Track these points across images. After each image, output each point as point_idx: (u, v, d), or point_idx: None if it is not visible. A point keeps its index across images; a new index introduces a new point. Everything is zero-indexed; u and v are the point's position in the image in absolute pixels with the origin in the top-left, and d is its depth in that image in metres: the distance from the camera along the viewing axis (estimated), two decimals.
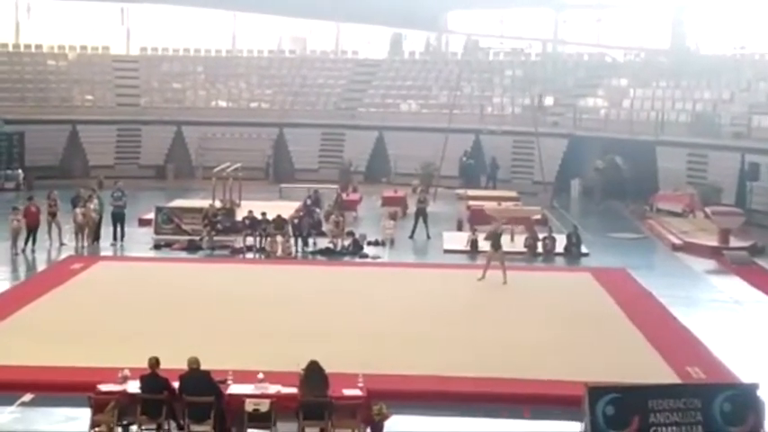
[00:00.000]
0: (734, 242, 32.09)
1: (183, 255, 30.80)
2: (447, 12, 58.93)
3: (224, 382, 15.30)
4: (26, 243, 30.30)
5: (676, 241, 33.35)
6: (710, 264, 30.55)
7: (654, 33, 55.39)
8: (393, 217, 34.62)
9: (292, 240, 31.31)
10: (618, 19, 56.52)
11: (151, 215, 34.04)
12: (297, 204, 36.02)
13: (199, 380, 14.86)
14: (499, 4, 56.18)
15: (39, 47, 55.82)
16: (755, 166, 37.95)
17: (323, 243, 31.80)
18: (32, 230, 30.54)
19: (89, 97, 54.28)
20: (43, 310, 22.80)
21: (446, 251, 31.77)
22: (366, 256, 30.80)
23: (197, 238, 31.90)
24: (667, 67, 50.91)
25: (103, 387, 15.20)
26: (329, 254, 31.12)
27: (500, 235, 27.61)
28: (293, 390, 14.99)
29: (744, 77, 45.95)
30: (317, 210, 35.26)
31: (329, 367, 15.05)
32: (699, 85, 47.08)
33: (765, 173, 37.78)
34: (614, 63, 54.22)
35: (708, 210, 35.06)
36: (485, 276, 26.21)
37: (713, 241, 32.26)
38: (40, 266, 28.86)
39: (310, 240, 31.81)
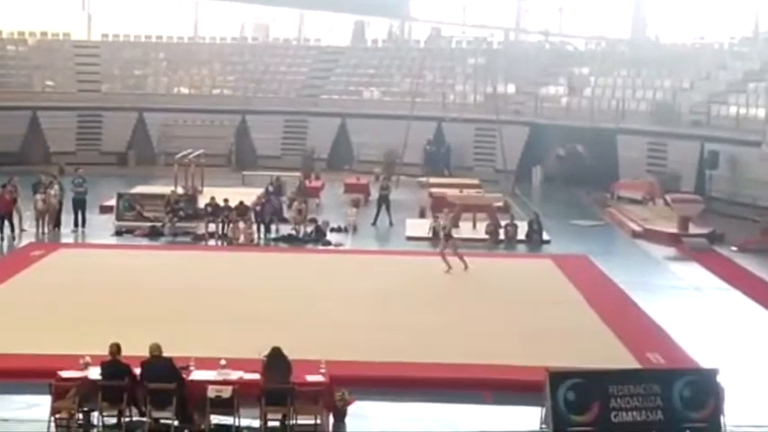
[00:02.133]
0: (693, 229, 32.35)
1: (145, 241, 30.67)
2: (410, 0, 58.89)
3: (186, 368, 15.28)
4: (1, 230, 30.02)
5: (636, 228, 33.57)
6: (670, 251, 30.81)
7: (615, 23, 55.67)
8: (356, 204, 34.62)
9: (255, 227, 31.26)
10: (579, 8, 56.73)
11: (112, 202, 33.83)
12: (259, 191, 35.93)
13: (161, 366, 14.83)
14: None
15: None
16: (714, 154, 38.27)
17: (285, 230, 31.77)
18: (5, 217, 30.25)
19: (49, 83, 53.79)
20: (3, 297, 22.68)
21: (408, 238, 31.82)
22: (329, 243, 30.79)
23: (159, 224, 31.75)
24: (628, 56, 51.14)
25: (64, 374, 15.15)
26: (292, 241, 31.08)
27: (451, 225, 27.41)
28: (256, 376, 15.00)
29: (703, 67, 46.26)
30: (280, 197, 35.18)
31: (292, 354, 15.09)
32: (659, 74, 47.32)
33: (724, 161, 38.12)
34: (575, 52, 54.45)
35: (667, 197, 35.32)
36: (450, 266, 26.13)
37: (673, 228, 32.49)
38: (0, 253, 28.63)
39: (273, 227, 31.77)
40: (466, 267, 25.98)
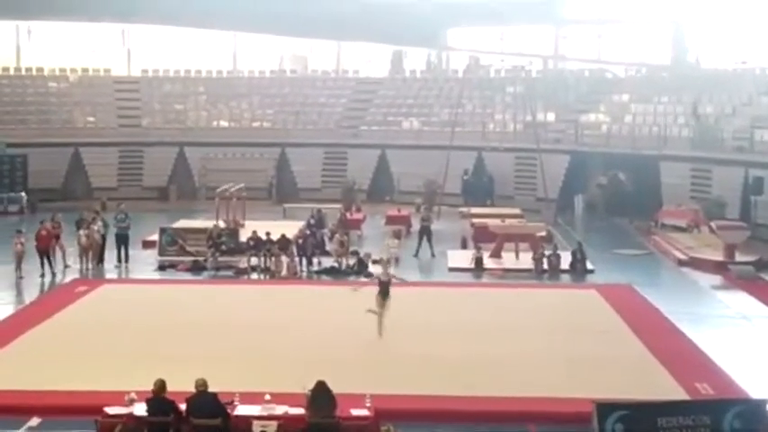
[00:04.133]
0: (739, 257, 31.99)
1: (188, 276, 30.75)
2: (447, 29, 58.93)
3: (231, 403, 15.26)
4: (42, 267, 30.08)
5: (682, 257, 33.25)
6: (716, 279, 30.46)
7: (655, 48, 55.42)
8: (397, 235, 34.58)
9: (297, 260, 31.28)
10: (618, 35, 56.57)
11: (155, 237, 34.02)
12: (300, 224, 35.98)
13: (206, 402, 14.81)
14: (499, 21, 56.16)
15: (40, 69, 56.02)
16: (759, 180, 37.87)
17: (327, 262, 31.79)
18: (44, 254, 30.38)
19: (91, 119, 54.39)
20: (49, 333, 22.75)
21: (451, 269, 31.73)
22: (371, 275, 30.60)
23: (201, 258, 31.86)
24: (669, 81, 50.91)
25: (110, 410, 15.17)
26: (334, 273, 31.08)
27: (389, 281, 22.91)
28: (300, 410, 14.94)
29: (745, 91, 45.96)
30: (322, 229, 35.21)
31: (336, 387, 15.01)
32: (700, 99, 47.05)
33: None
34: (615, 78, 54.29)
35: (713, 224, 34.97)
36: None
37: (719, 256, 32.18)
38: (45, 289, 28.76)
39: (315, 260, 31.78)
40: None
